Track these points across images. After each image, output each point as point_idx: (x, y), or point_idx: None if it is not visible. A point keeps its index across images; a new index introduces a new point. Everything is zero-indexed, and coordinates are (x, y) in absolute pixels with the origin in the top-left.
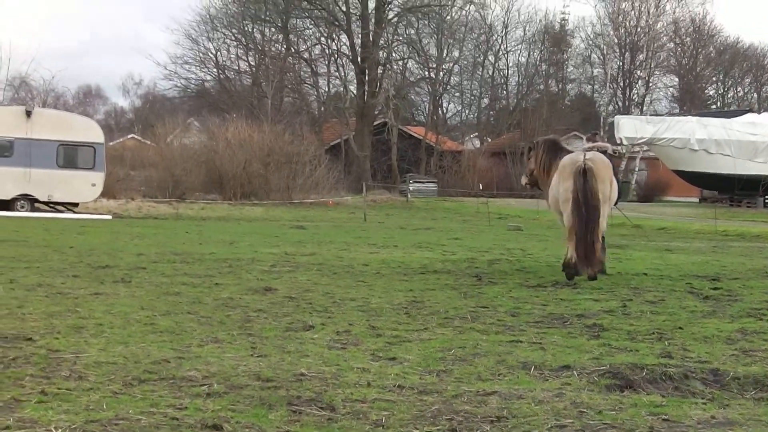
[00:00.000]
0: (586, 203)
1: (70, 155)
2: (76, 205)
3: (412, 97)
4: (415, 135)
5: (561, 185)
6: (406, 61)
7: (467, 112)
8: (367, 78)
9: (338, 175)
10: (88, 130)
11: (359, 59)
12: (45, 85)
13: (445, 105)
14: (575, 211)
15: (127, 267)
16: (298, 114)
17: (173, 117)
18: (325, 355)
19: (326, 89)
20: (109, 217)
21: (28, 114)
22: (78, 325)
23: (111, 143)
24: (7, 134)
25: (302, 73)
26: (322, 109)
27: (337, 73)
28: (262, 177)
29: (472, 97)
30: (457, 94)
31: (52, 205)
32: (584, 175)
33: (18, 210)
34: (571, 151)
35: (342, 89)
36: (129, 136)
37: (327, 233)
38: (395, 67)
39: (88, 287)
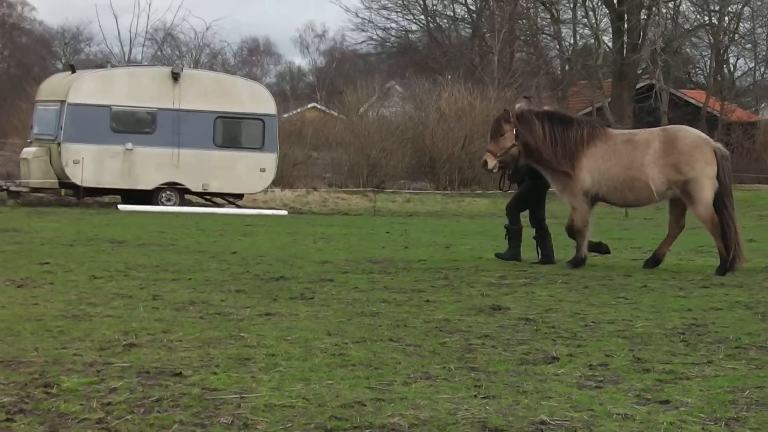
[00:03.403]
0: (730, 192)
1: (231, 131)
2: (240, 196)
3: (688, 50)
4: (693, 101)
5: (705, 168)
6: (678, 2)
7: (763, 70)
8: (626, 26)
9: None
10: (255, 98)
11: (615, 1)
12: (197, 38)
13: (732, 61)
14: (724, 202)
15: (308, 279)
16: (535, 75)
17: (368, 80)
18: (574, 396)
19: (571, 41)
20: (285, 212)
21: (176, 77)
22: (243, 356)
23: (286, 115)
24: (147, 104)
25: (539, 20)
26: (567, 67)
27: (585, 20)
28: None
29: None
30: (748, 45)
31: (207, 198)
32: (727, 161)
33: (163, 204)
34: (585, 122)
35: (593, 41)
36: (309, 106)
37: None
38: (664, 11)
39: (256, 306)
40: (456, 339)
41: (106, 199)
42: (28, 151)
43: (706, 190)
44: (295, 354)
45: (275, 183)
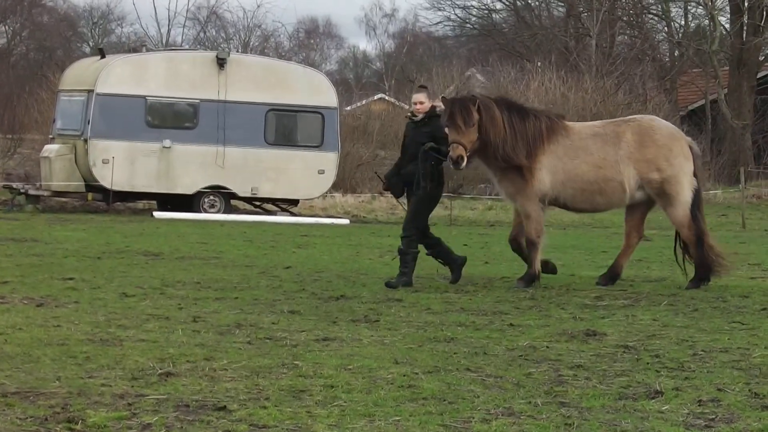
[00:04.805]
0: (701, 195)
1: (285, 127)
2: (295, 202)
3: None
4: None
5: (684, 164)
6: None
7: None
8: (746, 5)
9: (701, 154)
10: (313, 89)
11: None
12: (246, 18)
13: None
14: (698, 206)
15: (372, 298)
16: (639, 61)
17: (444, 67)
18: None
19: (682, 23)
20: (346, 221)
21: (221, 63)
22: (297, 388)
23: (348, 108)
24: (188, 94)
25: None
26: (677, 53)
27: None
28: None
29: None
30: None
31: (257, 204)
32: (700, 160)
33: (206, 210)
34: (535, 109)
35: (707, 22)
36: (376, 97)
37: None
38: None
39: (312, 329)
40: (544, 369)
41: (140, 204)
42: (50, 149)
43: (686, 189)
44: (358, 385)
45: (335, 187)
